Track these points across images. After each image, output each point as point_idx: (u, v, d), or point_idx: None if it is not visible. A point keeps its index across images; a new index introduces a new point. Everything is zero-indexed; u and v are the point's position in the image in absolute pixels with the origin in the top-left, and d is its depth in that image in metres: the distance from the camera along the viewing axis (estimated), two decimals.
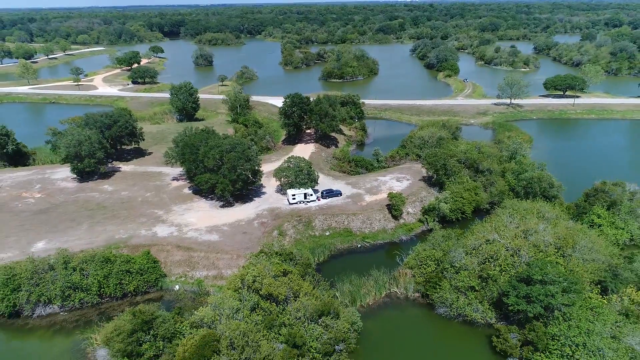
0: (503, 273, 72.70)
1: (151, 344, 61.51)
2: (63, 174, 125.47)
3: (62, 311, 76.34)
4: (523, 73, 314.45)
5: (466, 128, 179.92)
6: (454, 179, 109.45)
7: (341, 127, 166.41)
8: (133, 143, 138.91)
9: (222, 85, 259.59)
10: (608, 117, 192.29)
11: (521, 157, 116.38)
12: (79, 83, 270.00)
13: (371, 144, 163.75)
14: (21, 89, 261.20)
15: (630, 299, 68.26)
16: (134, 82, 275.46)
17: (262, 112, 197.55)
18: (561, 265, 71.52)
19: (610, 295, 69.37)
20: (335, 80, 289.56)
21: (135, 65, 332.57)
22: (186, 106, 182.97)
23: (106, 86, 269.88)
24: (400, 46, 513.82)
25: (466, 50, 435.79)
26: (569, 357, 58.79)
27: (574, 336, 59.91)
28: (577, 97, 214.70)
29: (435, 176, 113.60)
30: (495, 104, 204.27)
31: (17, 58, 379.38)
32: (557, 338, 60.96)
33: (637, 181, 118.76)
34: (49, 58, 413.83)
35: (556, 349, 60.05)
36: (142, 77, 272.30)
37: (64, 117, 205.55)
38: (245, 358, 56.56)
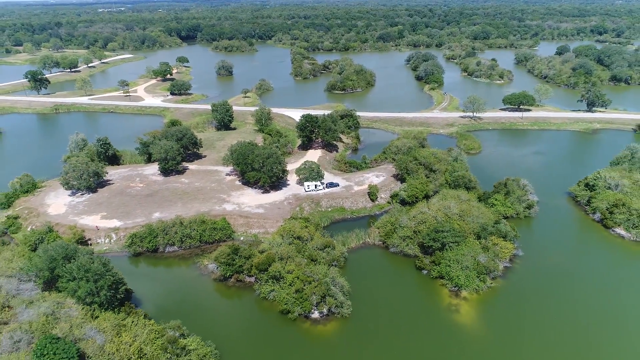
0: (426, 229, 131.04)
1: (238, 259, 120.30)
2: (150, 170, 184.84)
3: (180, 250, 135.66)
4: (498, 85, 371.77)
5: (437, 136, 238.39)
6: (413, 176, 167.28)
7: (340, 136, 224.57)
8: (195, 149, 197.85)
9: (245, 97, 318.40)
10: (547, 128, 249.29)
11: (458, 161, 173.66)
12: (128, 94, 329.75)
13: (363, 149, 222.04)
14: (82, 99, 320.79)
15: (492, 242, 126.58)
16: (172, 94, 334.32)
17: (280, 122, 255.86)
18: (457, 224, 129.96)
19: (482, 240, 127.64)
20: (337, 92, 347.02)
21: (168, 75, 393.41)
22: (224, 119, 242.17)
23: (150, 97, 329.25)
24: (398, 54, 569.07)
25: (455, 61, 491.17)
26: (449, 266, 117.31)
27: (454, 256, 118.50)
28: (529, 110, 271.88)
29: (400, 174, 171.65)
30: (461, 117, 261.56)
31: (63, 68, 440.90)
32: (446, 258, 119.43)
33: (545, 177, 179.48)
34: (89, 67, 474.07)
35: (444, 263, 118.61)
36: (179, 90, 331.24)
37: (124, 125, 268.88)
38: (287, 263, 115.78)
